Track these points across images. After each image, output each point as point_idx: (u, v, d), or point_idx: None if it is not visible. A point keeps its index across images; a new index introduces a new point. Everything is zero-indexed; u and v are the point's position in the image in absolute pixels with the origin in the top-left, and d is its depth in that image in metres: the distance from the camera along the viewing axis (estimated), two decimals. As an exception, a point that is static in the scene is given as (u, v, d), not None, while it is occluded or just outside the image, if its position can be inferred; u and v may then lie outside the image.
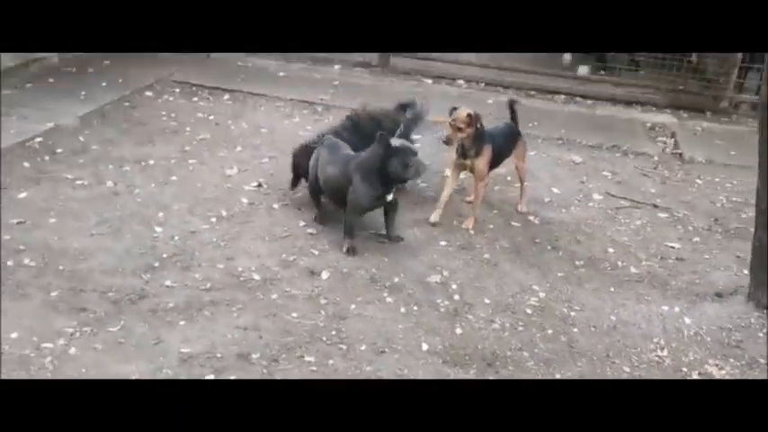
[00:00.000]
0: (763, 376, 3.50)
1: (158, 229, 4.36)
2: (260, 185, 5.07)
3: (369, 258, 4.23)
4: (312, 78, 7.81)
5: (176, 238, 4.28)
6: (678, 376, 3.45)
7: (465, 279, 4.12)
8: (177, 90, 6.97)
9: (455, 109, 4.63)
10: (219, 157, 5.55)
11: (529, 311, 3.86)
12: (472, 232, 4.64)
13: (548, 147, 6.39)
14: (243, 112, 6.58)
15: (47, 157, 5.20)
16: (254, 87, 7.23)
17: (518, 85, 8.07)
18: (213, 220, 4.55)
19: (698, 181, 5.95)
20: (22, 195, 4.61)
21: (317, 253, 4.25)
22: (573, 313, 3.88)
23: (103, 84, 6.80)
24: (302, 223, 4.62)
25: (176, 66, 7.59)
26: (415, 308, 3.80)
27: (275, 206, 4.80)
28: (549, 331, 3.70)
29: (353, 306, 3.75)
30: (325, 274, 4.02)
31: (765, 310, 3.89)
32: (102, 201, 4.66)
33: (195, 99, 6.83)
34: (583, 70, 8.46)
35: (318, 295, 3.82)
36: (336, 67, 8.27)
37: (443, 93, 7.67)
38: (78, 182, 4.88)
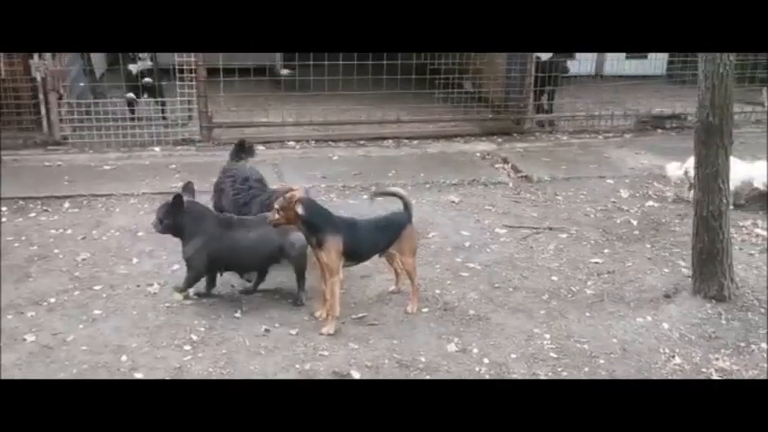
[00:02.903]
0: (748, 357, 4.10)
1: (138, 375, 3.77)
2: (197, 295, 4.60)
3: (376, 345, 4.10)
4: (143, 166, 7.23)
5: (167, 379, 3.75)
6: (703, 377, 3.89)
7: (475, 339, 4.19)
8: (4, 209, 6.00)
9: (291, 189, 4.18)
10: (123, 275, 4.92)
11: (554, 355, 4.05)
12: (331, 333, 4.12)
13: (420, 192, 6.66)
14: (100, 219, 5.89)
15: None
16: (90, 188, 6.51)
17: (346, 137, 8.27)
18: (188, 348, 4.04)
19: (558, 197, 6.65)
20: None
21: (326, 354, 4.00)
22: (585, 346, 4.16)
23: None
24: (276, 325, 4.32)
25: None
26: (464, 382, 3.78)
27: (237, 314, 4.41)
28: (586, 369, 3.93)
29: (412, 398, 3.62)
30: (355, 374, 3.82)
31: (713, 300, 4.53)
32: (42, 360, 3.89)
33: (33, 215, 5.95)
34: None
35: (370, 398, 3.62)
36: (157, 149, 7.74)
37: (286, 157, 7.59)
38: (-9, 344, 4.02)
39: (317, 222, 4.06)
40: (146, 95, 8.23)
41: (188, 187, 4.48)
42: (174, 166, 7.18)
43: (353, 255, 4.22)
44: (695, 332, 4.30)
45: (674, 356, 4.07)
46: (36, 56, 7.31)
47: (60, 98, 7.57)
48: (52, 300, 4.54)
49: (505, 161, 7.65)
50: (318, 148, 7.97)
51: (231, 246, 4.33)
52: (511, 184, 6.99)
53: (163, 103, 8.22)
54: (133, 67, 7.99)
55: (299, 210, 3.99)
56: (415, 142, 8.30)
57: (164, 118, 8.14)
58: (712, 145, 4.18)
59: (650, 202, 6.49)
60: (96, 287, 4.72)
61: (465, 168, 7.35)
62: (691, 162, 6.25)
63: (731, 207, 4.64)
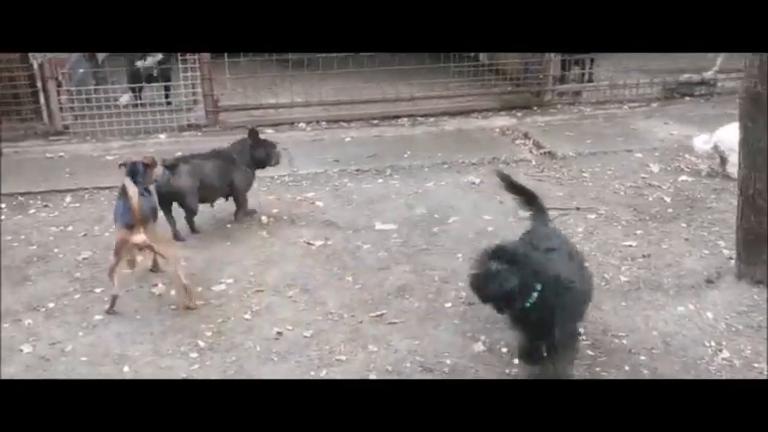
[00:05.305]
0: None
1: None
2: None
3: (397, 346, 3.80)
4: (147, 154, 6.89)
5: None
6: (755, 373, 3.56)
7: (503, 337, 3.87)
8: (3, 206, 5.73)
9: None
10: (125, 275, 4.63)
11: (590, 353, 3.73)
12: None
13: (438, 173, 6.33)
14: (103, 214, 5.58)
15: None
16: (93, 180, 6.22)
17: (358, 116, 7.89)
18: (194, 355, 3.77)
19: (584, 175, 6.27)
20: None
21: (343, 358, 3.71)
22: (624, 341, 3.83)
23: None
24: (289, 327, 4.02)
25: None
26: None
27: (247, 315, 4.12)
28: (626, 368, 3.62)
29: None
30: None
31: (760, 285, 4.17)
32: (39, 374, 3.64)
33: (32, 211, 5.68)
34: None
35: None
36: (162, 136, 7.43)
37: (297, 140, 7.25)
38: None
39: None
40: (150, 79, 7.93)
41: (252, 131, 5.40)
42: (180, 153, 6.84)
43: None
44: (742, 322, 3.96)
45: (721, 350, 3.74)
46: (32, 43, 6.99)
47: (60, 86, 7.26)
48: (51, 305, 4.29)
49: (527, 136, 7.27)
50: (330, 130, 7.61)
51: None
52: (534, 162, 6.62)
53: (167, 88, 7.91)
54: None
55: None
56: (431, 120, 7.92)
57: (168, 103, 7.83)
58: (759, 118, 3.79)
59: (683, 177, 6.09)
60: (98, 289, 4.45)
61: (484, 146, 6.99)
62: (719, 134, 5.86)
63: None
